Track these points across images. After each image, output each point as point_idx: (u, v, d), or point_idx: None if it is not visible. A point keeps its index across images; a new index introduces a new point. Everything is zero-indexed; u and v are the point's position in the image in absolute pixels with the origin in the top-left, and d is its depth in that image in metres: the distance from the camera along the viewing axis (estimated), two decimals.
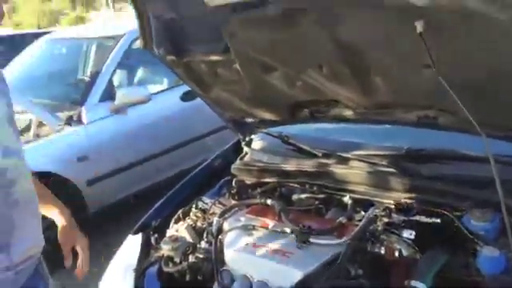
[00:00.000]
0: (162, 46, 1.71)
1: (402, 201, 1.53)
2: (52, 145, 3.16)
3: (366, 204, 1.58)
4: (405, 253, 1.35)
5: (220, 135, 3.57)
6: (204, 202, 1.82)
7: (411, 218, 1.45)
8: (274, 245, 1.45)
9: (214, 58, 1.66)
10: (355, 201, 1.61)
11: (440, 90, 1.10)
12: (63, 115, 3.29)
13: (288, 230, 1.47)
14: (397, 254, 1.34)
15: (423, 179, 1.53)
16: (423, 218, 1.43)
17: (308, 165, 1.76)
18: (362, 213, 1.54)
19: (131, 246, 1.74)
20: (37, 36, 5.04)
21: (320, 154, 1.77)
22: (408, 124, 1.49)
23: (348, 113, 1.61)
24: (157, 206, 1.92)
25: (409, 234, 1.39)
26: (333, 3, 1.18)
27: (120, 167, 3.42)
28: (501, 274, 1.22)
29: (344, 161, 1.70)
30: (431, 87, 1.21)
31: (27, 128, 3.25)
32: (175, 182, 2.06)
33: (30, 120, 3.23)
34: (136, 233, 1.79)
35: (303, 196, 1.71)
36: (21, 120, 3.31)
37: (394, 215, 1.47)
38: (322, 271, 1.33)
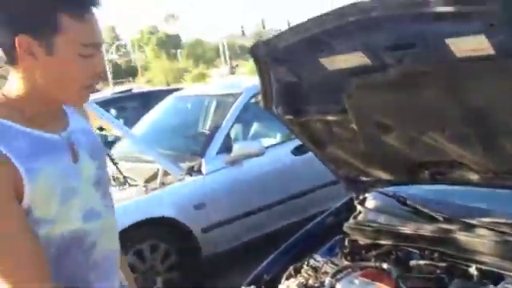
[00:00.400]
0: (281, 106, 1.81)
1: None
2: (174, 193, 3.42)
3: (495, 277, 1.45)
4: None
5: (330, 190, 3.56)
6: (316, 260, 1.81)
7: None
8: None
9: (331, 117, 1.71)
10: (482, 272, 1.47)
11: None
12: (185, 165, 3.55)
13: None
14: None
15: None
16: None
17: (428, 229, 1.67)
18: (491, 286, 1.41)
19: None
20: (165, 93, 5.59)
21: (441, 219, 1.67)
22: None
23: (473, 176, 1.52)
24: (269, 259, 1.95)
25: None
26: (460, 68, 1.16)
27: (233, 216, 3.56)
28: None
29: (468, 227, 1.58)
30: None
31: (154, 176, 3.57)
32: (286, 234, 2.09)
33: (157, 169, 3.54)
34: (248, 285, 1.83)
35: (422, 262, 1.61)
36: (148, 169, 3.66)
37: None
38: None
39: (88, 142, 1.11)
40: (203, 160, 3.53)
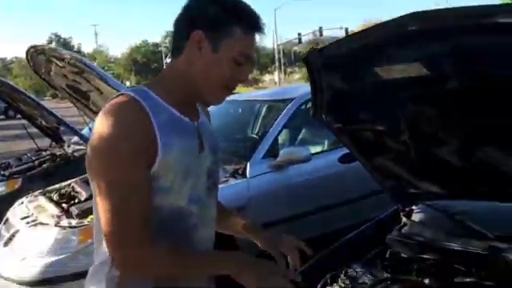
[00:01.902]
0: (331, 114, 1.81)
1: None
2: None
3: None
4: None
5: (376, 200, 3.49)
6: (354, 270, 1.78)
7: None
8: None
9: (382, 127, 1.69)
10: None
11: None
12: (230, 168, 3.58)
13: None
14: None
15: None
16: None
17: (476, 246, 1.61)
18: None
19: None
20: None
21: (492, 236, 1.60)
22: None
23: None
24: (306, 266, 1.94)
25: None
26: None
27: (274, 220, 3.55)
28: None
29: None
30: None
31: None
32: (327, 242, 2.07)
33: None
34: None
35: (468, 280, 1.56)
36: None
37: None
38: None
39: (210, 138, 1.26)
40: (248, 163, 3.55)
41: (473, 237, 1.67)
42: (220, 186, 3.70)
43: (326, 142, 4.04)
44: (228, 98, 4.65)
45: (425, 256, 1.74)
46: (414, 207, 2.02)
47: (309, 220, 3.65)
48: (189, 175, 1.16)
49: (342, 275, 1.77)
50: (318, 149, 3.97)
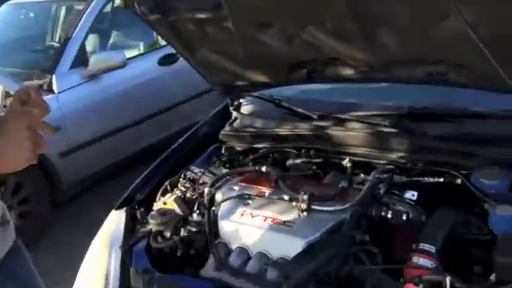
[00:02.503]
0: (145, 4, 1.56)
1: (405, 161, 1.47)
2: None
3: (366, 167, 1.53)
4: (410, 215, 1.30)
5: (202, 100, 3.46)
6: (193, 172, 1.72)
7: (414, 179, 1.40)
8: (273, 214, 1.38)
9: (203, 15, 1.53)
10: (354, 164, 1.54)
11: (459, 44, 1.01)
12: (32, 84, 3.09)
13: (286, 198, 1.40)
14: (404, 217, 1.29)
15: (427, 138, 1.47)
16: (427, 179, 1.38)
17: (303, 128, 1.68)
18: (362, 176, 1.49)
19: (115, 222, 1.63)
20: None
21: (315, 117, 1.68)
22: (415, 81, 1.41)
23: (349, 72, 1.51)
24: (141, 177, 1.81)
25: (411, 194, 1.35)
26: None
27: (95, 137, 3.27)
28: None
29: (342, 122, 1.62)
30: (448, 41, 1.13)
31: None
32: (158, 151, 1.95)
33: None
34: (119, 208, 1.67)
35: (298, 161, 1.63)
36: None
37: (396, 177, 1.42)
38: (326, 239, 1.27)
39: None
40: (54, 76, 3.11)
41: (299, 120, 1.73)
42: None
43: (142, 44, 3.76)
44: (15, 1, 3.82)
45: (258, 146, 1.77)
46: (242, 100, 1.99)
47: (134, 132, 3.46)
48: None
49: (181, 179, 1.69)
50: (133, 52, 3.67)
